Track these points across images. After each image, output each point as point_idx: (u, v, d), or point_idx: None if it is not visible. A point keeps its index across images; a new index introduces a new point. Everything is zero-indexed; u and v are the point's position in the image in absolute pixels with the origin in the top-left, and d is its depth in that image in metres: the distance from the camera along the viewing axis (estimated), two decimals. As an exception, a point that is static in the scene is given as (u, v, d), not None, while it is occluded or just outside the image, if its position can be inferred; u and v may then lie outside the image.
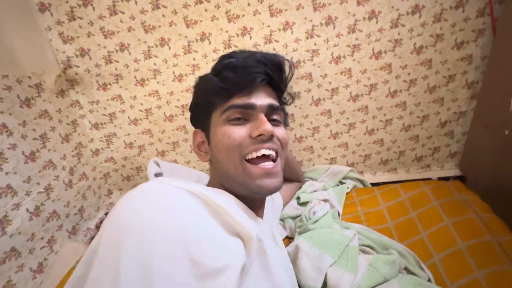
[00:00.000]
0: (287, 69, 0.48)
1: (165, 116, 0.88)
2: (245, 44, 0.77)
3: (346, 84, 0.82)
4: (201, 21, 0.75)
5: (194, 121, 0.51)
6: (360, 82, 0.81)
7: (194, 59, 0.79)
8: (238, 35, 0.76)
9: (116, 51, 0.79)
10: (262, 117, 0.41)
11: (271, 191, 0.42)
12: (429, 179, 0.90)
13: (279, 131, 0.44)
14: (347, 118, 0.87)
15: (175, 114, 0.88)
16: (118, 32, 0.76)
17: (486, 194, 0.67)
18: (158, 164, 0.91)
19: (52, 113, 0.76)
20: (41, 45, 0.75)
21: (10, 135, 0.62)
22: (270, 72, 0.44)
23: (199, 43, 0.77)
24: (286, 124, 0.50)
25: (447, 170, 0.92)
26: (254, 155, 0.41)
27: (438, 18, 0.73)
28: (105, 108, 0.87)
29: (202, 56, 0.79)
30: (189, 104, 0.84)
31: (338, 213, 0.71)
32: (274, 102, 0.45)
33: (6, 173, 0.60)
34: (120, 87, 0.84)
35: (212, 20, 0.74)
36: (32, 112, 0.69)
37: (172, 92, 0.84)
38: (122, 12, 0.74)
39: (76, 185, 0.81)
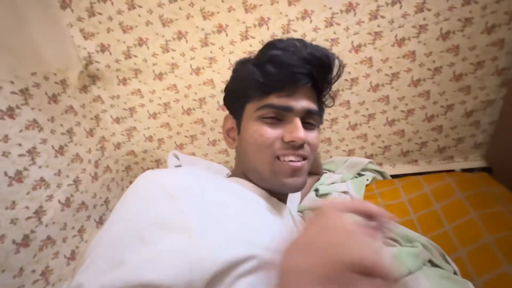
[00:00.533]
0: (335, 69, 0.44)
1: (183, 110, 0.89)
2: (262, 35, 0.76)
3: (366, 73, 0.79)
4: (218, 12, 0.74)
5: (227, 104, 0.50)
6: (381, 72, 0.79)
7: (211, 52, 0.79)
8: (255, 26, 0.75)
9: (135, 45, 0.80)
10: (298, 122, 0.40)
11: (295, 190, 0.42)
12: (452, 170, 0.87)
13: (311, 136, 0.43)
14: (367, 109, 0.85)
15: (193, 107, 0.89)
16: (136, 26, 0.77)
17: (515, 186, 0.64)
18: (177, 157, 0.93)
19: (77, 108, 0.79)
20: (64, 42, 0.77)
21: (41, 131, 0.65)
22: (316, 74, 0.41)
23: (216, 35, 0.77)
24: (321, 123, 0.47)
25: (471, 161, 0.89)
26: (282, 158, 0.41)
27: (468, 1, 0.68)
28: (125, 103, 0.89)
29: (219, 48, 0.79)
30: (206, 97, 0.86)
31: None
32: (312, 106, 0.42)
33: (39, 167, 0.63)
34: (139, 81, 0.85)
35: (229, 11, 0.73)
36: (59, 107, 0.72)
37: (189, 85, 0.85)
38: (140, 6, 0.74)
39: (101, 177, 0.85)
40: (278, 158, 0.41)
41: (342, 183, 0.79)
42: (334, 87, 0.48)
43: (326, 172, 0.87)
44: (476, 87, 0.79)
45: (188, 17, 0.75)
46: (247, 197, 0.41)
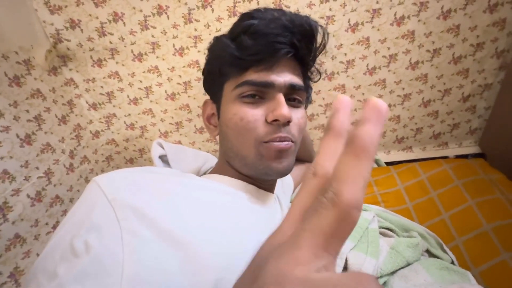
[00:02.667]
0: (319, 38, 0.39)
1: (167, 95, 0.82)
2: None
3: (363, 55, 0.74)
4: (202, -16, 0.66)
5: (206, 88, 0.45)
6: (378, 53, 0.74)
7: (195, 29, 0.72)
8: (244, 1, 0.68)
9: (109, 21, 0.71)
10: (280, 98, 0.35)
11: (281, 174, 0.38)
12: (446, 157, 0.86)
13: (297, 115, 0.38)
14: (363, 94, 0.81)
15: (178, 92, 0.82)
16: (110, -1, 0.68)
17: (508, 173, 0.63)
18: (162, 146, 0.87)
19: (46, 92, 0.70)
20: (27, 16, 0.68)
21: (1, 117, 0.57)
22: (297, 43, 0.36)
23: (201, 11, 0.70)
24: (308, 102, 0.43)
25: (465, 147, 0.88)
26: (267, 139, 0.36)
27: (472, -24, 0.64)
28: (102, 87, 0.81)
29: (205, 26, 0.71)
30: (191, 81, 0.79)
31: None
32: (296, 80, 0.38)
33: (1, 158, 0.56)
34: (117, 63, 0.77)
35: (214, -17, 0.66)
36: (23, 91, 0.64)
37: (173, 67, 0.78)
38: (113, -24, 0.65)
39: (77, 168, 0.78)
40: (264, 142, 0.36)
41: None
42: (320, 59, 0.43)
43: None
44: (474, 70, 0.76)
45: (169, -11, 0.67)
46: (213, 192, 0.36)
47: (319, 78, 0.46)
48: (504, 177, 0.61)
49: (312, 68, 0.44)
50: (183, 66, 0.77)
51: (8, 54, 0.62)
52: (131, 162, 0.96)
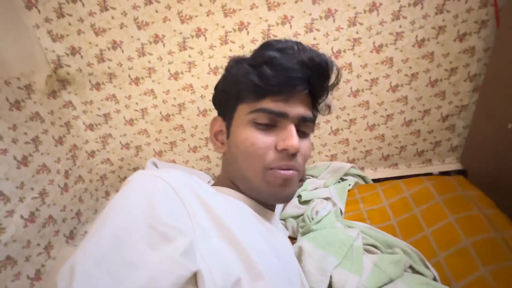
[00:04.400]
0: (333, 76, 0.42)
1: (162, 116, 0.86)
2: (242, 40, 0.75)
3: (346, 79, 0.80)
4: (196, 16, 0.72)
5: (217, 104, 0.47)
6: (360, 77, 0.79)
7: (190, 56, 0.77)
8: (235, 30, 0.74)
9: (109, 49, 0.76)
10: (292, 129, 0.38)
11: (284, 200, 0.41)
12: (430, 173, 0.90)
13: (304, 145, 0.41)
14: (348, 114, 0.85)
15: (172, 113, 0.85)
16: (109, 29, 0.73)
17: (488, 188, 0.66)
18: (156, 165, 0.89)
19: (44, 115, 0.73)
20: (29, 44, 0.72)
21: (0, 140, 0.59)
22: (314, 80, 0.39)
23: (195, 39, 0.75)
24: (312, 131, 0.45)
25: (448, 164, 0.92)
26: (274, 166, 0.38)
27: (441, 10, 0.71)
28: (99, 109, 0.85)
29: (198, 52, 0.76)
30: (185, 103, 0.83)
31: (341, 211, 0.70)
32: (308, 113, 0.40)
33: (-2, 180, 0.57)
34: (114, 86, 0.81)
35: (207, 15, 0.72)
36: (23, 114, 0.67)
37: (168, 90, 0.82)
38: (113, 8, 0.71)
39: (72, 188, 0.79)
40: (270, 169, 0.39)
41: (325, 189, 0.79)
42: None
43: (309, 178, 0.86)
44: (450, 92, 0.81)
45: (165, 20, 0.72)
46: (240, 208, 0.38)
47: (328, 113, 0.50)
48: (481, 193, 0.65)
49: (322, 103, 0.46)
50: (178, 89, 0.81)
51: (10, 80, 0.65)
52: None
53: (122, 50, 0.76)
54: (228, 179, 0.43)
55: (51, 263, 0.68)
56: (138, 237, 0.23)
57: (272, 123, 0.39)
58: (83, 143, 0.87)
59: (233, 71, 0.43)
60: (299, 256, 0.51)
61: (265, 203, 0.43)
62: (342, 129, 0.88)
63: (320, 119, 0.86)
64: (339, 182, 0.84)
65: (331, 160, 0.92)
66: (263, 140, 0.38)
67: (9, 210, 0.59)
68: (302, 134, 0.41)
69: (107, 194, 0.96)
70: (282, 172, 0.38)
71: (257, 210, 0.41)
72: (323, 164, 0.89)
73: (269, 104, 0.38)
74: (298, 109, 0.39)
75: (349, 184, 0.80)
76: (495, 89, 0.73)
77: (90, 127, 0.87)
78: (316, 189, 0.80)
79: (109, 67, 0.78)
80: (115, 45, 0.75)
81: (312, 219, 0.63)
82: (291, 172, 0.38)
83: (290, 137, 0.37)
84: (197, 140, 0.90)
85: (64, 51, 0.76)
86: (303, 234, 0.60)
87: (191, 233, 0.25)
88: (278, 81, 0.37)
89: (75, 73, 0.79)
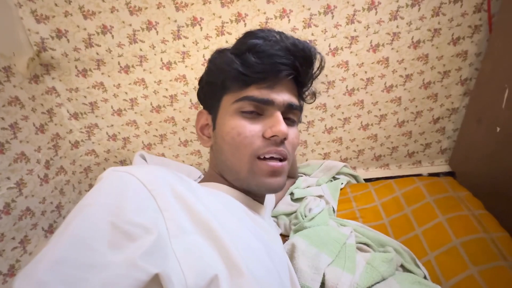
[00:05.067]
0: (316, 63, 0.42)
1: (152, 107, 0.82)
2: (239, 31, 0.73)
3: (342, 77, 0.79)
4: (192, 4, 0.69)
5: (202, 98, 0.46)
6: (356, 76, 0.79)
7: (184, 45, 0.74)
8: (232, 21, 0.71)
9: (98, 33, 0.72)
10: (279, 116, 0.37)
11: (274, 190, 0.40)
12: (420, 175, 0.91)
13: (292, 133, 0.40)
14: (342, 113, 0.85)
15: (163, 104, 0.82)
16: (99, 12, 0.69)
17: (476, 190, 0.67)
18: (144, 158, 0.86)
19: (24, 100, 0.68)
20: (11, 23, 0.67)
21: (-27, 124, 0.55)
22: (299, 66, 0.39)
23: (190, 29, 0.72)
24: (299, 121, 0.45)
25: (437, 166, 0.93)
26: (262, 157, 0.38)
27: (437, 12, 0.71)
28: (85, 97, 0.80)
29: (193, 42, 0.74)
30: (178, 94, 0.80)
31: (333, 210, 0.69)
32: (294, 100, 0.40)
33: (-31, 167, 0.53)
34: (102, 73, 0.77)
35: (204, 4, 0.69)
36: (0, 98, 0.62)
37: (160, 81, 0.79)
38: (104, -10, 0.67)
39: (53, 179, 0.74)
40: (258, 158, 0.38)
41: (317, 187, 0.78)
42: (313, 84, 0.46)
43: (301, 176, 0.85)
44: (442, 95, 0.83)
45: (159, 7, 0.69)
46: (228, 202, 0.37)
47: (313, 101, 0.49)
48: (470, 195, 0.66)
49: (307, 91, 0.46)
50: (170, 80, 0.78)
51: (-12, 60, 0.60)
52: (111, 174, 0.93)
53: (112, 36, 0.72)
54: (216, 172, 0.43)
55: (27, 258, 0.63)
56: (99, 238, 0.21)
57: (258, 111, 0.38)
58: (67, 132, 0.82)
59: (217, 61, 0.42)
60: (291, 253, 0.50)
61: (254, 195, 0.42)
62: (336, 127, 0.87)
63: (314, 116, 0.85)
64: (331, 180, 0.83)
65: (324, 159, 0.92)
66: (250, 128, 0.37)
67: (-19, 200, 0.54)
68: (290, 122, 0.41)
69: (91, 187, 0.91)
70: (271, 163, 0.37)
71: (246, 202, 0.40)
72: (316, 162, 0.88)
73: (254, 91, 0.37)
74: (284, 96, 0.39)
75: (342, 183, 0.80)
76: (485, 93, 0.75)
77: (75, 115, 0.83)
78: (308, 187, 0.79)
79: (97, 53, 0.74)
80: (104, 30, 0.71)
81: (305, 216, 0.62)
82: (279, 164, 0.38)
83: (278, 123, 0.36)
84: (188, 134, 0.87)
85: (49, 33, 0.71)
86: (296, 231, 0.58)
87: (159, 230, 0.23)
88: (262, 68, 0.37)
89: (60, 57, 0.74)
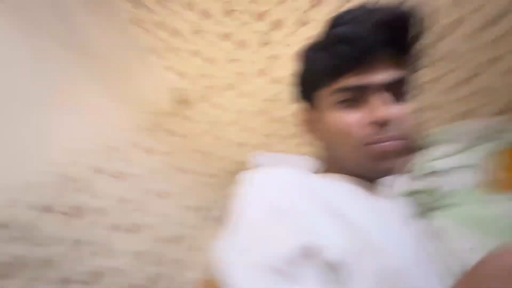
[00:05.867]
0: (414, 23, 0.37)
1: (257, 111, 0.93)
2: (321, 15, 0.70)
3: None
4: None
5: (299, 95, 0.47)
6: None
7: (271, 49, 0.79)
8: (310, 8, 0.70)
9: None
10: (375, 100, 0.36)
11: (389, 173, 0.38)
12: None
13: (398, 110, 0.36)
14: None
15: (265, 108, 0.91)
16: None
17: None
18: (259, 157, 0.98)
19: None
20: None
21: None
22: (392, 39, 0.36)
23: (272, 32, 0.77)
24: (414, 89, 0.40)
25: None
26: (368, 141, 0.37)
27: None
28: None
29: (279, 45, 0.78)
30: (278, 94, 0.86)
31: (490, 182, 0.54)
32: (394, 75, 0.37)
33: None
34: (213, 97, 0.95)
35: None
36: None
37: (258, 89, 0.88)
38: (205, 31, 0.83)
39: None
40: (365, 145, 0.37)
41: (461, 155, 0.62)
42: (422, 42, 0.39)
43: (436, 145, 0.70)
44: None
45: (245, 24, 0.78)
46: (345, 189, 0.39)
47: (425, 65, 0.42)
48: None
49: (414, 54, 0.40)
50: (266, 84, 0.86)
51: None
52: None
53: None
54: (328, 163, 0.44)
55: None
56: (268, 224, 0.29)
57: (356, 99, 0.37)
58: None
59: (307, 59, 0.43)
60: (440, 234, 0.44)
61: (369, 178, 0.41)
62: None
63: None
64: (482, 144, 0.64)
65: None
66: (351, 118, 0.37)
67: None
68: (398, 98, 0.37)
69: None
70: (380, 145, 0.36)
71: (364, 186, 0.40)
72: (456, 126, 0.71)
73: (348, 80, 0.37)
74: (381, 75, 0.36)
75: (501, 145, 0.60)
76: None
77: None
78: (447, 157, 0.65)
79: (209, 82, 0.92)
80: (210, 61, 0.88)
81: (445, 193, 0.52)
82: (388, 143, 0.36)
83: (376, 108, 0.35)
84: (293, 128, 0.93)
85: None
86: (436, 210, 0.50)
87: (308, 214, 0.30)
88: (354, 55, 0.36)
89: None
